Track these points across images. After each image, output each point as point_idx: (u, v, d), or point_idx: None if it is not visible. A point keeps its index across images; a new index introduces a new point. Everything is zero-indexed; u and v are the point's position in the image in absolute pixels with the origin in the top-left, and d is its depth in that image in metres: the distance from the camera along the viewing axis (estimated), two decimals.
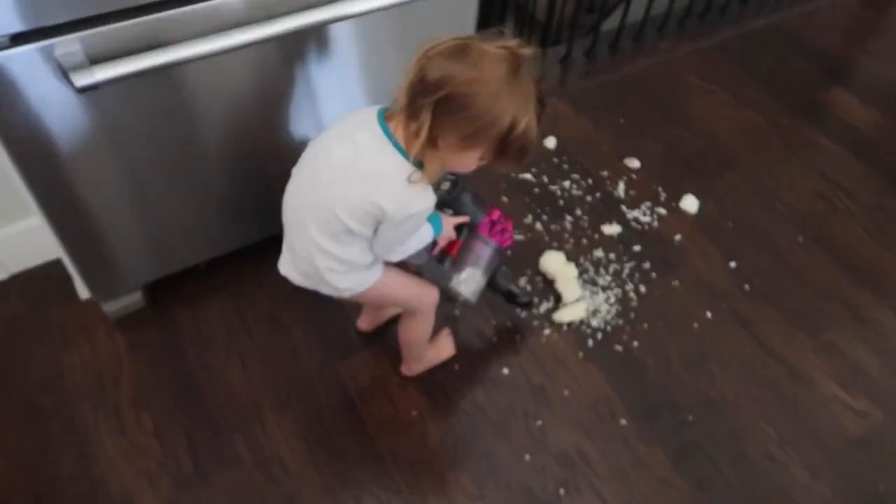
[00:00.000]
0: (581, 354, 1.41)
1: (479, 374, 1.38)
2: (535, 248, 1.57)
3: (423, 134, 0.91)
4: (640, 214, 1.68)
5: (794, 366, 1.42)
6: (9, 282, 1.46)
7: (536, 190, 1.72)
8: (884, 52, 2.25)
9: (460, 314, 1.46)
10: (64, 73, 0.98)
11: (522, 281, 1.52)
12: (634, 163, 1.80)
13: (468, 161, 0.97)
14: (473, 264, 1.23)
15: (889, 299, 1.54)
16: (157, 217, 1.28)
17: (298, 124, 1.30)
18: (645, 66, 2.11)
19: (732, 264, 1.59)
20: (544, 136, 1.85)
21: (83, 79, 0.97)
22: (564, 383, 1.37)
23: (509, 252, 1.31)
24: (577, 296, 1.49)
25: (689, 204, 1.70)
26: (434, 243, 1.18)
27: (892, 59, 2.22)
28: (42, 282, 1.46)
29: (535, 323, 1.45)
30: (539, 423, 1.31)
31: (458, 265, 1.22)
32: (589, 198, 1.71)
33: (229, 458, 1.24)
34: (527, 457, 1.26)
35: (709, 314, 1.49)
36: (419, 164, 0.96)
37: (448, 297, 1.25)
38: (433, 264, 1.18)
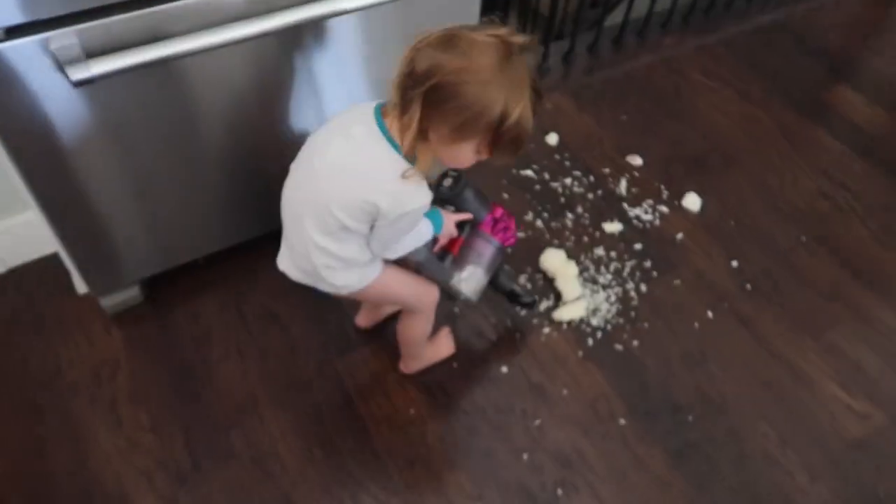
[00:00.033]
0: (581, 353, 1.40)
1: (478, 373, 1.37)
2: (535, 246, 1.56)
3: (414, 126, 0.90)
4: (642, 212, 1.67)
5: (794, 366, 1.41)
6: (6, 276, 1.46)
7: (537, 187, 1.71)
8: (889, 51, 2.23)
9: (459, 312, 1.45)
10: (60, 66, 0.97)
11: (522, 279, 1.51)
12: (636, 160, 1.79)
13: (462, 154, 0.95)
14: (475, 262, 1.21)
15: (891, 300, 1.53)
16: (155, 212, 1.28)
17: (298, 119, 1.29)
18: (648, 63, 2.09)
19: (734, 263, 1.58)
20: (546, 132, 1.83)
21: (79, 73, 0.96)
22: (563, 382, 1.36)
23: (509, 250, 1.29)
24: (578, 294, 1.48)
25: (692, 202, 1.69)
26: (435, 240, 1.17)
27: None
28: (39, 276, 1.45)
29: (535, 321, 1.45)
30: (537, 422, 1.30)
31: (459, 263, 1.21)
32: (590, 195, 1.70)
33: (226, 454, 1.23)
34: (525, 456, 1.26)
35: (710, 314, 1.48)
36: (413, 160, 0.95)
37: (448, 296, 1.24)
38: (434, 261, 1.17)
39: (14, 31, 0.93)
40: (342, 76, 1.29)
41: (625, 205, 1.68)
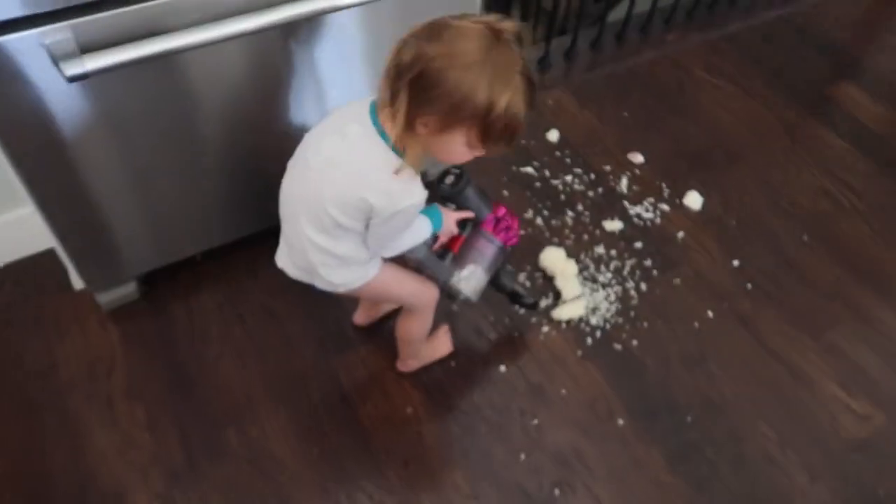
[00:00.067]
0: (580, 353, 1.39)
1: (476, 372, 1.36)
2: (535, 244, 1.55)
3: (401, 117, 0.89)
4: (643, 210, 1.65)
5: (794, 366, 1.40)
6: (2, 271, 1.45)
7: (538, 184, 1.70)
8: (895, 47, 2.21)
9: (458, 310, 1.44)
10: (54, 61, 0.96)
11: (521, 277, 1.50)
12: (638, 157, 1.77)
13: (454, 148, 0.93)
14: (475, 261, 1.19)
15: (892, 300, 1.52)
16: (153, 208, 1.27)
17: (298, 115, 1.28)
18: (651, 59, 2.08)
19: (735, 263, 1.57)
20: (547, 128, 1.82)
21: (73, 68, 0.95)
22: (562, 382, 1.35)
23: (509, 249, 1.28)
24: (577, 293, 1.47)
25: (693, 200, 1.68)
26: (435, 238, 1.16)
27: None
28: (36, 272, 1.44)
29: (534, 320, 1.44)
30: (535, 421, 1.30)
31: (459, 262, 1.19)
32: (591, 193, 1.69)
33: (222, 452, 1.23)
34: (522, 456, 1.25)
35: (710, 313, 1.47)
36: (401, 155, 0.94)
37: (448, 295, 1.23)
38: (433, 260, 1.16)
39: (7, 26, 0.92)
40: (342, 71, 1.28)
41: (625, 203, 1.67)
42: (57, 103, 1.02)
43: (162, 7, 1.00)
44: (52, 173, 1.11)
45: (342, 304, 1.42)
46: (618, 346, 1.41)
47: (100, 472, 1.20)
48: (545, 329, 1.42)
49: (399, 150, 0.93)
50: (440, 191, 1.16)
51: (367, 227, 0.99)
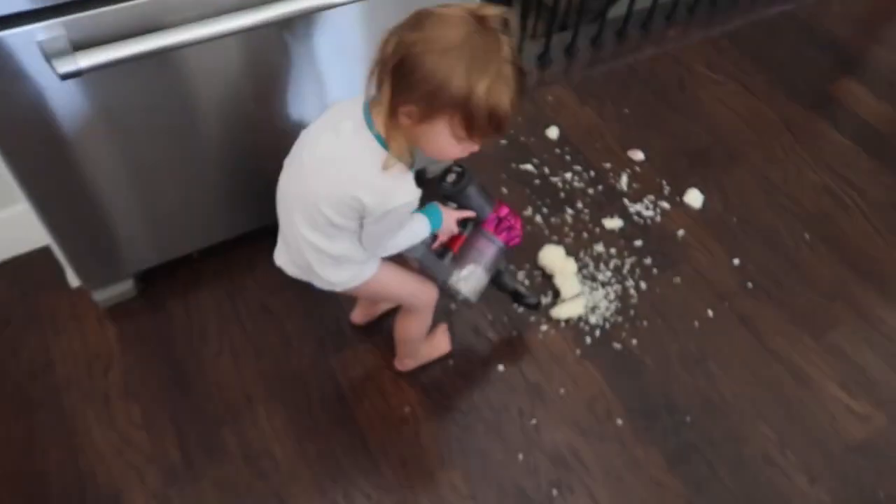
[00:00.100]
0: (578, 352, 1.39)
1: (474, 371, 1.36)
2: (534, 242, 1.54)
3: (384, 107, 0.87)
4: (643, 208, 1.64)
5: (795, 367, 1.39)
6: None
7: (537, 181, 1.69)
8: None
9: (456, 309, 1.43)
10: (47, 59, 0.95)
11: (520, 275, 1.49)
12: (638, 155, 1.76)
13: (440, 139, 0.90)
14: (476, 261, 1.17)
15: (894, 300, 1.51)
16: (150, 205, 1.26)
17: (296, 112, 1.27)
18: (652, 55, 2.06)
19: (736, 261, 1.56)
20: (546, 125, 1.81)
21: (66, 65, 0.94)
22: (561, 381, 1.34)
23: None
24: (576, 291, 1.46)
25: (694, 198, 1.67)
26: (434, 237, 1.14)
27: None
28: (32, 269, 1.44)
29: (532, 319, 1.43)
30: (534, 421, 1.29)
31: (459, 261, 1.17)
32: (591, 190, 1.68)
33: (218, 451, 1.22)
34: (520, 456, 1.25)
35: (710, 312, 1.46)
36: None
37: (448, 294, 1.21)
38: (432, 258, 1.14)
39: (1, 22, 0.91)
40: (341, 68, 1.26)
41: (625, 200, 1.66)
42: (51, 101, 1.01)
43: (157, 4, 0.99)
44: (46, 171, 1.10)
45: (340, 302, 1.41)
46: (617, 346, 1.40)
47: (96, 471, 1.19)
48: (544, 328, 1.42)
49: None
50: (441, 189, 1.14)
51: (361, 226, 0.98)
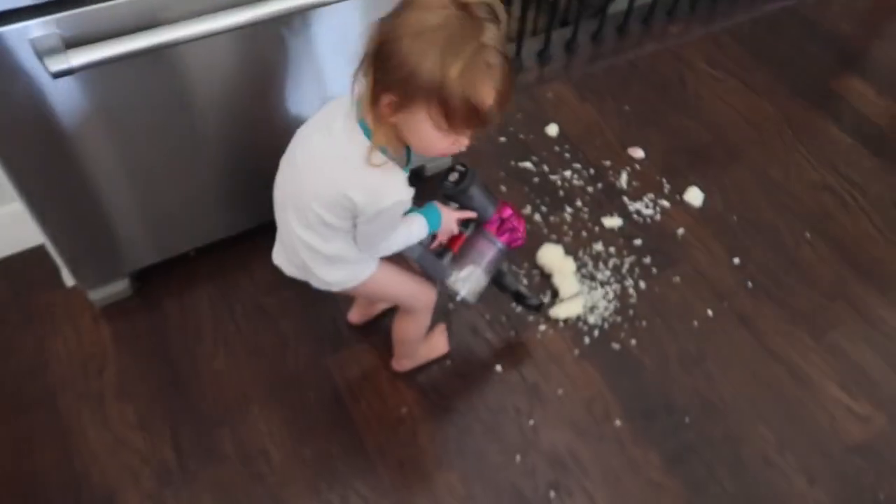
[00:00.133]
0: (577, 352, 1.38)
1: (472, 371, 1.35)
2: (532, 241, 1.53)
3: (367, 98, 0.86)
4: (643, 207, 1.63)
5: (795, 367, 1.38)
6: None
7: (536, 179, 1.67)
8: None
9: (454, 308, 1.42)
10: (38, 57, 0.93)
11: (519, 275, 1.48)
12: (638, 152, 1.75)
13: (422, 130, 0.86)
14: (475, 262, 1.15)
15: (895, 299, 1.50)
16: (145, 204, 1.25)
17: (293, 110, 1.25)
18: (653, 51, 2.05)
19: (736, 260, 1.54)
20: (546, 123, 1.79)
21: (58, 64, 0.93)
22: (559, 382, 1.33)
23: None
24: (575, 291, 1.45)
25: (694, 196, 1.65)
26: (433, 237, 1.13)
27: None
28: (27, 268, 1.43)
29: (531, 319, 1.42)
30: (531, 422, 1.28)
31: (458, 262, 1.15)
32: (590, 188, 1.66)
33: (213, 452, 1.21)
34: (517, 457, 1.24)
35: (709, 312, 1.45)
36: (385, 151, 0.91)
37: (446, 295, 1.20)
38: (430, 258, 1.12)
39: None
40: (340, 64, 1.24)
41: (625, 199, 1.65)
42: (46, 99, 1.00)
43: (151, 0, 0.98)
44: (41, 170, 1.09)
45: (337, 302, 1.40)
46: (616, 346, 1.39)
47: (91, 472, 1.19)
48: (542, 328, 1.41)
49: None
50: (443, 189, 1.12)
51: (355, 226, 0.97)
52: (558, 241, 1.54)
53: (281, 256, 1.08)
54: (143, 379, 1.30)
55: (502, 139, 1.74)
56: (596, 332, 1.41)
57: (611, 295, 1.46)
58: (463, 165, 1.12)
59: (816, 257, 1.57)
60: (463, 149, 0.92)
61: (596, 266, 1.51)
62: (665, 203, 1.64)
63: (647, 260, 1.53)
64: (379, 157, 0.90)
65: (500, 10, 0.83)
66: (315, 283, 1.07)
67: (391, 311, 1.32)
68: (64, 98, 1.02)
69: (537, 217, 1.59)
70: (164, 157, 1.20)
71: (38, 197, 1.13)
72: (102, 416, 1.25)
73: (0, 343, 1.33)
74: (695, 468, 1.24)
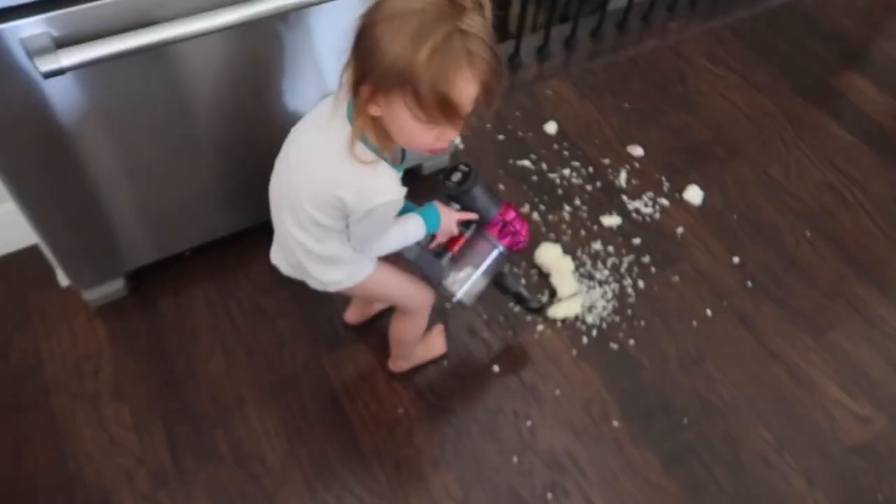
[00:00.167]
0: (575, 352, 1.37)
1: (469, 371, 1.34)
2: (531, 240, 1.51)
3: (347, 87, 0.84)
4: (642, 205, 1.62)
5: (795, 367, 1.37)
6: None
7: (535, 177, 1.66)
8: None
9: (451, 308, 1.41)
10: (29, 56, 0.92)
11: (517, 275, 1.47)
12: (638, 150, 1.73)
13: (401, 121, 0.83)
14: (474, 264, 1.13)
15: None
16: (140, 203, 1.24)
17: (290, 109, 1.24)
18: (653, 48, 2.03)
19: (735, 259, 1.53)
20: (544, 120, 1.78)
21: (48, 64, 0.91)
22: (556, 382, 1.33)
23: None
24: (573, 290, 1.44)
25: (693, 195, 1.64)
26: (431, 237, 1.11)
27: None
28: (22, 268, 1.42)
29: (529, 319, 1.41)
30: (529, 423, 1.27)
31: (457, 263, 1.13)
32: (589, 187, 1.65)
33: (209, 453, 1.21)
34: (515, 458, 1.23)
35: (709, 312, 1.44)
36: (374, 148, 0.89)
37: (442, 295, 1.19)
38: (427, 258, 1.11)
39: None
40: (338, 62, 1.23)
41: (624, 197, 1.63)
42: (39, 99, 0.99)
43: None
44: (35, 170, 1.08)
45: (334, 302, 1.39)
46: (614, 346, 1.38)
47: (85, 473, 1.18)
48: (540, 328, 1.40)
49: (366, 140, 0.88)
50: (445, 189, 1.10)
51: (348, 226, 0.96)
52: (556, 240, 1.53)
53: (278, 256, 1.08)
54: (139, 379, 1.29)
55: (500, 137, 1.73)
56: (594, 332, 1.40)
57: (609, 294, 1.45)
58: (466, 165, 1.10)
59: (816, 256, 1.56)
60: (449, 145, 0.90)
61: (594, 265, 1.50)
62: (664, 201, 1.63)
63: (646, 259, 1.52)
64: (367, 153, 0.88)
65: (487, 2, 0.80)
66: (312, 284, 1.06)
67: (388, 312, 1.31)
68: (57, 98, 1.01)
69: (536, 216, 1.58)
70: (161, 157, 1.19)
71: (32, 198, 1.12)
72: (97, 416, 1.24)
73: None
74: (694, 469, 1.23)
